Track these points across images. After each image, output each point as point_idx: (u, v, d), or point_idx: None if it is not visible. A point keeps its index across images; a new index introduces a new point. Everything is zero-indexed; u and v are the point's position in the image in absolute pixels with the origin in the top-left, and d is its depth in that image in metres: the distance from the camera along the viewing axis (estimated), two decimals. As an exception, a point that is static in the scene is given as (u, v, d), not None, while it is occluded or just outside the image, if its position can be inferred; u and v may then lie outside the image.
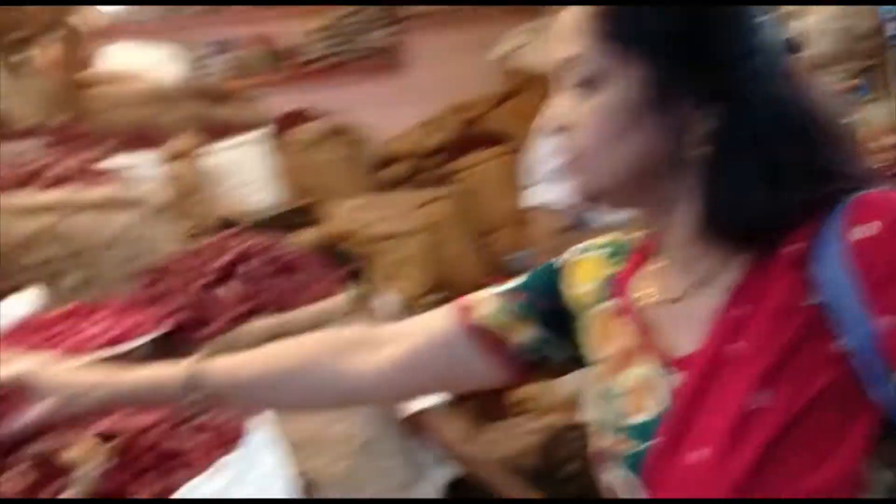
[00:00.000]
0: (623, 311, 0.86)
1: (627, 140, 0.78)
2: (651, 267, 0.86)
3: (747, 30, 0.77)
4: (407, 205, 4.48)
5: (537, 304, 0.92)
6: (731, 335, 0.75)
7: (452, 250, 4.48)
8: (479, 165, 4.71)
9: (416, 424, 2.13)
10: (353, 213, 4.08)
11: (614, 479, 0.82)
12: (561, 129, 0.81)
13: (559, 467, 2.42)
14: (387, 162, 4.98)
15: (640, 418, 0.80)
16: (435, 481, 2.19)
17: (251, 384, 0.95)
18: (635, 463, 0.79)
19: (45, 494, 0.79)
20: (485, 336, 0.92)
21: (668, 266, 0.84)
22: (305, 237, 3.53)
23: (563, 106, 0.81)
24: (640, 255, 0.88)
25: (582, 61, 0.79)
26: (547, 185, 1.84)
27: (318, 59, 4.88)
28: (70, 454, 0.93)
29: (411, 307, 3.77)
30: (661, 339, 0.81)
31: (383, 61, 5.04)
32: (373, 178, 4.79)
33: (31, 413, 0.89)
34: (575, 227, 1.80)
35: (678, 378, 0.78)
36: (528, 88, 4.69)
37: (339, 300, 1.67)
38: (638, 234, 0.90)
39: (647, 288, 0.85)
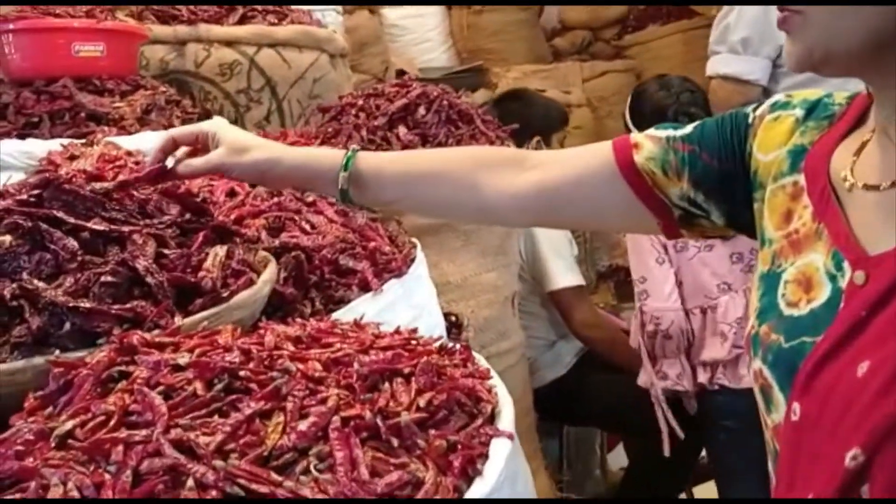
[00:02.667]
0: (810, 190, 0.74)
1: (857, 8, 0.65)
2: (856, 141, 0.74)
3: None
4: (576, 75, 4.37)
5: (702, 159, 0.82)
6: None
7: (618, 126, 4.36)
8: (658, 40, 4.47)
9: (557, 300, 2.20)
10: (521, 80, 4.03)
11: (759, 371, 0.73)
12: None
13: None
14: (562, 30, 4.83)
15: (803, 311, 0.71)
16: (575, 344, 2.26)
17: (395, 176, 0.94)
18: (784, 360, 0.70)
19: (233, 288, 0.89)
20: (640, 178, 0.84)
21: (880, 145, 0.71)
22: (475, 98, 3.56)
23: None
24: (844, 124, 0.76)
25: None
26: (733, 56, 1.75)
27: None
28: (255, 257, 1.04)
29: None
30: (849, 230, 0.70)
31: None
32: (546, 46, 4.68)
33: (207, 157, 0.96)
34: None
35: (860, 277, 0.67)
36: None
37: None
38: (845, 96, 0.77)
39: (847, 166, 0.73)
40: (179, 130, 1.01)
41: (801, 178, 0.75)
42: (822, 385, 0.66)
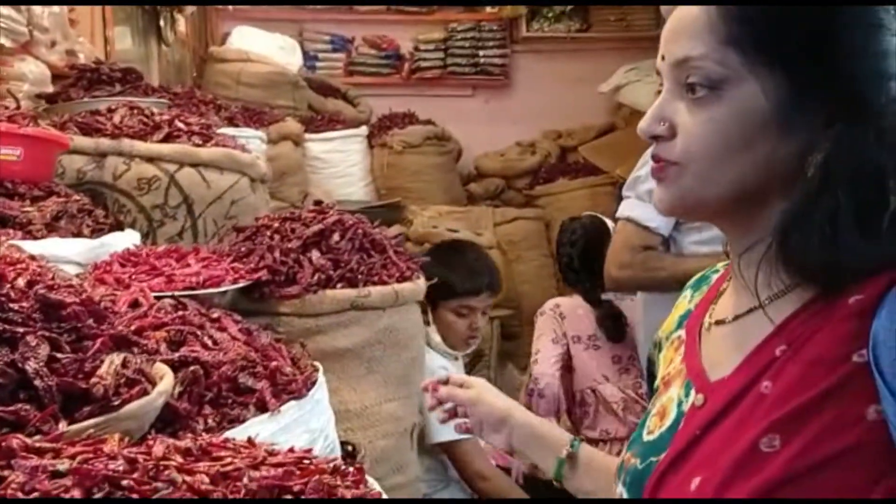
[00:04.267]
0: (687, 340, 0.84)
1: (744, 154, 0.72)
2: (725, 287, 0.83)
3: (883, 41, 0.70)
4: (488, 219, 4.55)
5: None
6: (762, 370, 0.71)
7: (525, 270, 4.52)
8: (566, 193, 4.74)
9: (446, 450, 2.20)
10: (435, 219, 4.17)
11: (620, 494, 0.82)
12: (665, 133, 0.75)
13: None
14: (477, 176, 5.07)
15: (654, 436, 0.79)
16: (465, 489, 2.24)
17: (601, 468, 1.03)
18: (636, 480, 0.78)
19: (125, 397, 0.88)
20: None
21: (732, 287, 0.81)
22: (389, 233, 3.65)
23: (669, 109, 0.75)
24: (721, 280, 0.86)
25: (704, 63, 0.72)
26: (640, 203, 1.86)
27: (428, 68, 5.00)
28: (152, 370, 1.02)
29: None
30: (702, 361, 0.79)
31: (491, 79, 5.12)
32: (461, 190, 4.88)
33: (462, 391, 1.16)
34: (656, 249, 1.82)
35: (700, 400, 0.76)
36: (631, 124, 4.72)
37: (418, 284, 1.74)
38: (724, 263, 0.87)
39: (714, 310, 0.82)
40: (455, 376, 1.22)
41: (683, 333, 0.86)
42: (663, 500, 0.74)
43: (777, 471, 0.66)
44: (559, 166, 5.00)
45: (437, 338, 2.32)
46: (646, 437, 0.81)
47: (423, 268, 1.84)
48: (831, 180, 0.68)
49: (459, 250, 2.60)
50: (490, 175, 5.04)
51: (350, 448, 1.51)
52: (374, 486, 0.86)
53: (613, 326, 2.47)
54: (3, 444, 0.72)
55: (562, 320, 2.57)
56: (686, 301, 0.92)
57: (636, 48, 4.65)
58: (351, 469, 0.86)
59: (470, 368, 3.05)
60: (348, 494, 0.77)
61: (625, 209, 1.90)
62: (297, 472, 0.76)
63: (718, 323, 0.80)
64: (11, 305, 0.90)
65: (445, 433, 2.11)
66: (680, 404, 0.78)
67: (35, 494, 0.65)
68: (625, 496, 0.79)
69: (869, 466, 0.64)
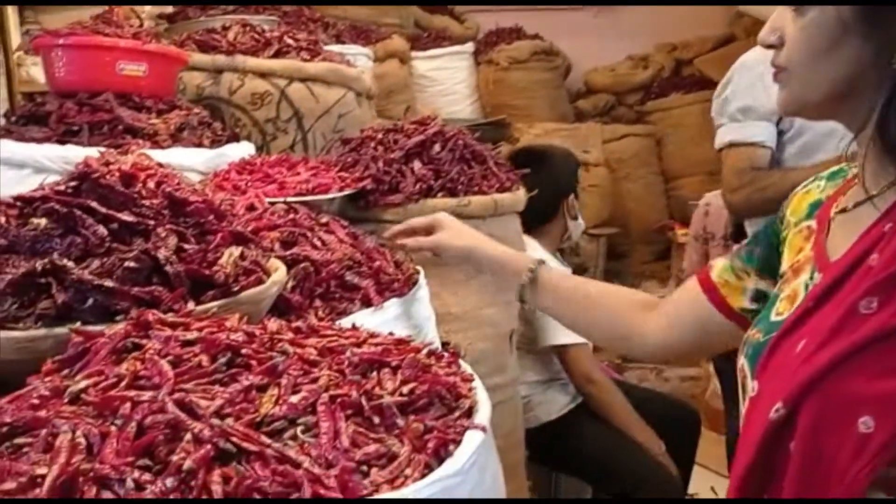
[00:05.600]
0: (817, 226, 0.91)
1: (833, 55, 0.81)
2: (853, 182, 0.90)
3: None
4: (597, 137, 4.48)
5: (755, 252, 1.01)
6: (871, 246, 0.78)
7: (633, 188, 4.46)
8: (679, 108, 4.59)
9: (557, 353, 2.26)
10: (542, 136, 4.15)
11: (741, 367, 0.88)
12: (774, 45, 0.87)
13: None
14: (586, 92, 4.97)
15: (781, 317, 0.86)
16: (569, 390, 2.30)
17: (566, 291, 1.20)
18: (755, 353, 0.85)
19: (243, 283, 0.97)
20: (716, 293, 1.03)
21: (857, 179, 0.87)
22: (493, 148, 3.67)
23: (780, 19, 0.86)
24: (853, 179, 0.92)
25: None
26: (734, 124, 1.83)
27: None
28: (267, 264, 1.11)
29: (583, 235, 3.82)
30: (827, 246, 0.87)
31: (604, -9, 4.96)
32: (569, 106, 4.81)
33: (432, 237, 1.31)
34: (765, 168, 1.79)
35: (818, 278, 0.83)
36: (750, 35, 4.48)
37: (517, 195, 1.78)
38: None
39: (841, 200, 0.90)
40: (417, 221, 1.37)
41: (814, 223, 0.93)
42: (773, 363, 0.80)
43: (870, 330, 0.72)
44: (673, 80, 4.84)
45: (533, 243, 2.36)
46: (773, 318, 0.87)
47: (523, 179, 1.87)
48: None
49: (538, 155, 2.50)
50: (600, 91, 4.93)
51: (451, 347, 1.59)
52: (467, 368, 0.92)
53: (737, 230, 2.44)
54: (141, 317, 0.82)
55: (705, 217, 2.76)
56: (818, 190, 0.96)
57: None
58: (446, 353, 0.92)
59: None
60: (441, 373, 0.83)
61: (723, 136, 1.87)
62: (395, 350, 0.83)
63: (842, 212, 0.88)
64: (143, 202, 1.00)
65: (560, 336, 2.19)
66: (806, 287, 0.85)
67: (169, 359, 0.75)
68: (746, 367, 0.85)
69: None
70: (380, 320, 1.20)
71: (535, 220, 2.27)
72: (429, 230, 1.34)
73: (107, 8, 1.77)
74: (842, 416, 0.72)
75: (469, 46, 4.52)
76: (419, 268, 1.44)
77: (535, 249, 2.33)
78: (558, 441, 2.21)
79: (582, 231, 2.61)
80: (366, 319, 1.16)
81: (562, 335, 2.20)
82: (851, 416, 0.71)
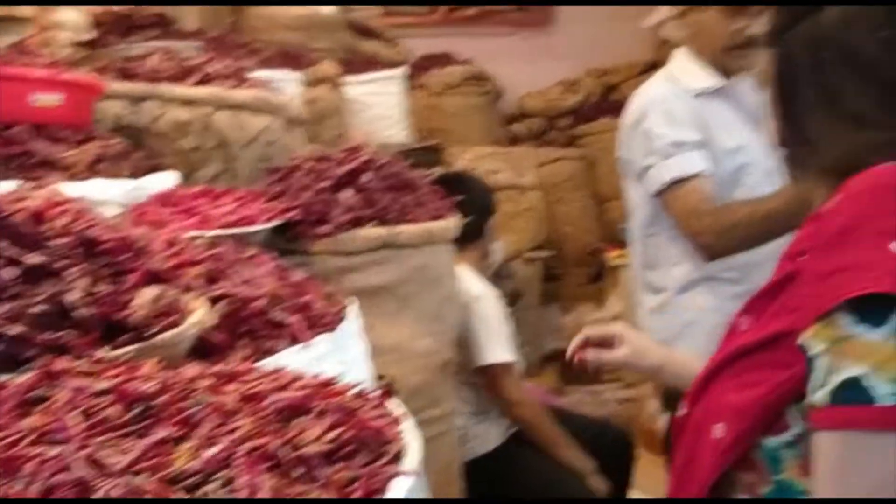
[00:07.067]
0: None
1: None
2: None
3: None
4: (531, 160, 4.53)
5: None
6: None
7: (567, 211, 4.51)
8: (609, 132, 4.65)
9: (484, 375, 2.25)
10: (476, 161, 4.17)
11: None
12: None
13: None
14: (519, 116, 5.02)
15: None
16: (502, 423, 2.30)
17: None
18: None
19: (159, 327, 0.93)
20: None
21: None
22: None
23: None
24: None
25: None
26: (668, 160, 1.75)
27: (467, 6, 4.93)
28: (186, 303, 1.07)
29: (518, 259, 3.84)
30: None
31: (533, 16, 5.03)
32: (503, 130, 4.86)
33: (611, 354, 1.24)
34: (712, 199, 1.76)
35: None
36: (674, 61, 4.60)
37: (450, 223, 1.76)
38: None
39: None
40: (593, 332, 1.28)
41: None
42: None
43: (734, 346, 0.81)
44: (602, 105, 4.93)
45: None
46: None
47: (457, 206, 1.86)
48: None
49: (461, 178, 2.55)
50: (533, 115, 4.99)
51: (384, 380, 1.56)
52: (396, 410, 0.89)
53: None
54: (50, 366, 0.77)
55: None
56: None
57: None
58: (375, 394, 0.90)
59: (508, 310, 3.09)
60: (368, 416, 0.81)
61: (661, 175, 1.73)
62: (320, 394, 0.80)
63: None
64: (54, 242, 0.95)
65: (489, 355, 2.21)
66: None
67: (78, 411, 0.71)
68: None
69: (796, 350, 0.74)
70: (309, 358, 1.16)
71: (459, 242, 2.27)
72: (606, 342, 1.26)
73: (25, 35, 1.71)
74: (707, 422, 0.81)
75: (401, 71, 4.52)
76: (351, 300, 1.41)
77: (465, 275, 2.33)
78: (495, 474, 2.19)
79: (502, 254, 2.63)
80: (294, 358, 1.13)
81: (490, 354, 2.20)
82: (711, 422, 0.80)
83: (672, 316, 1.83)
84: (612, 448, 2.39)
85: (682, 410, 0.88)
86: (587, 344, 1.26)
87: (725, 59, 1.80)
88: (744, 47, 1.76)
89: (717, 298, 1.77)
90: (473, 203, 2.31)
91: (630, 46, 4.94)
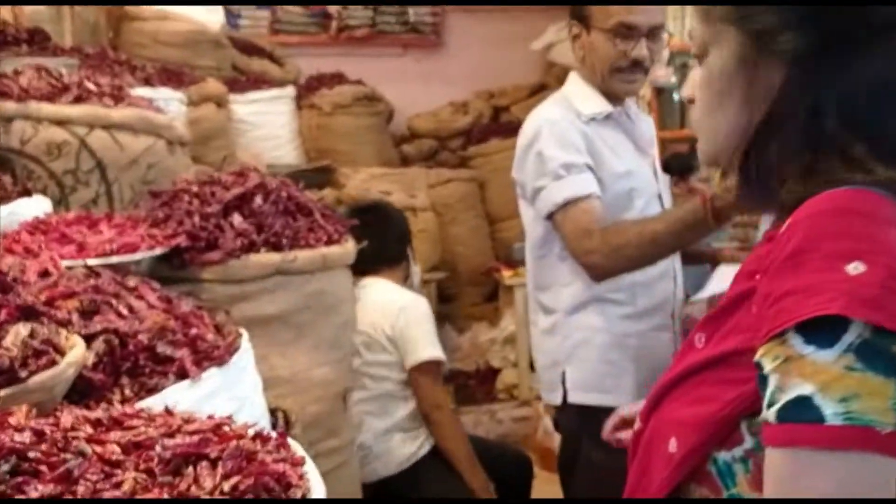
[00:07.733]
0: None
1: (724, 108, 0.83)
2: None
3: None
4: (422, 181, 4.52)
5: None
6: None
7: (460, 232, 4.53)
8: (499, 153, 4.73)
9: (417, 374, 2.26)
10: (368, 181, 4.13)
11: None
12: (690, 101, 0.90)
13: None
14: (410, 137, 5.02)
15: None
16: (411, 441, 2.27)
17: None
18: None
19: (32, 368, 0.84)
20: None
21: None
22: (319, 197, 3.60)
23: (693, 79, 0.90)
24: None
25: (693, 38, 0.87)
26: (558, 182, 1.74)
27: (357, 27, 4.90)
28: (62, 341, 0.98)
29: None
30: None
31: (423, 38, 5.06)
32: (394, 151, 4.84)
33: None
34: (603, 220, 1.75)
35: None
36: (561, 83, 4.71)
37: (346, 248, 1.72)
38: None
39: None
40: (629, 412, 1.19)
41: None
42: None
43: (689, 363, 0.81)
44: (492, 126, 4.99)
45: None
46: None
47: (352, 231, 1.81)
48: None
49: (378, 209, 2.64)
50: (423, 136, 4.99)
51: (280, 414, 1.49)
52: (298, 450, 0.84)
53: None
54: None
55: None
56: None
57: (567, 6, 4.64)
58: (273, 434, 0.84)
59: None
60: (269, 459, 0.76)
61: (553, 196, 1.73)
62: (215, 439, 0.74)
63: None
64: None
65: (422, 352, 2.27)
66: None
67: (-69, 473, 0.62)
68: None
69: (748, 368, 0.73)
70: (199, 395, 1.09)
71: (383, 262, 2.38)
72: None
73: None
74: (660, 437, 0.82)
75: (290, 90, 4.44)
76: (242, 330, 1.34)
77: (389, 287, 2.34)
78: (398, 497, 2.15)
79: (419, 277, 2.67)
80: (182, 395, 1.05)
81: (423, 352, 2.26)
82: (665, 437, 0.81)
83: (563, 337, 1.84)
84: (511, 469, 2.42)
85: (636, 426, 0.88)
86: (623, 423, 1.19)
87: (612, 82, 1.84)
88: (629, 70, 1.81)
89: (607, 319, 1.80)
90: (393, 230, 2.42)
91: (519, 69, 5.04)
